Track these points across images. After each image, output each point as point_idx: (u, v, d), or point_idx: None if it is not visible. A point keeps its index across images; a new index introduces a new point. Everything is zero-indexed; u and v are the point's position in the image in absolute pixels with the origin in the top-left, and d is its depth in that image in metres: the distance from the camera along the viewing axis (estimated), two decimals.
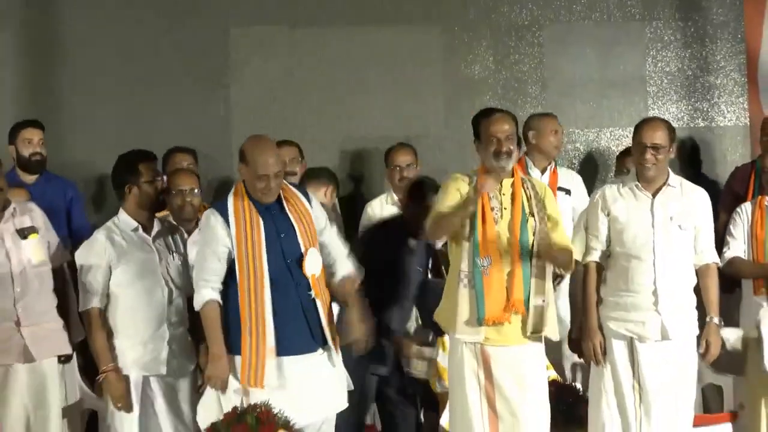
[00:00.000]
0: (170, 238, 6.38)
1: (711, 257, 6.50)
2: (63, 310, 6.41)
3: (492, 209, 6.13)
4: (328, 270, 6.08)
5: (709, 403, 7.80)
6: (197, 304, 5.92)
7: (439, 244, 7.11)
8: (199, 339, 6.25)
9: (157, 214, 6.45)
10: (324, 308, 5.94)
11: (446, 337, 6.87)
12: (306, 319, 5.88)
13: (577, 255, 6.47)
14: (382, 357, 6.79)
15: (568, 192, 7.82)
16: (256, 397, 5.73)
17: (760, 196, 7.40)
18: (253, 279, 5.83)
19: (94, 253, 6.15)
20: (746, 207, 7.39)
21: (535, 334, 6.14)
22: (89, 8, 8.74)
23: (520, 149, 7.48)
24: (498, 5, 9.01)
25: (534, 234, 6.13)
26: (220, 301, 5.89)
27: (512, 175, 6.19)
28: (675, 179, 6.46)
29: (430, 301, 6.99)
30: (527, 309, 6.11)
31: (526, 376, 6.16)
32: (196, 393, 6.25)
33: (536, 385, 6.21)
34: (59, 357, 6.39)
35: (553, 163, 7.92)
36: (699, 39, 9.12)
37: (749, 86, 8.98)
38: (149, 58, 8.73)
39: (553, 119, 7.98)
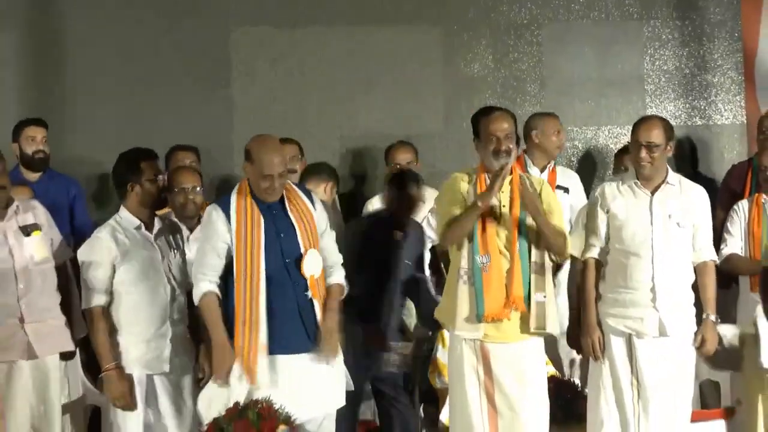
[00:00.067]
0: (171, 235, 6.38)
1: (709, 255, 6.51)
2: (66, 307, 6.38)
3: (491, 207, 6.15)
4: None
5: (707, 399, 7.79)
6: (196, 297, 5.94)
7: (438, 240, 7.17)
8: (199, 339, 6.28)
9: (158, 212, 6.44)
10: (321, 309, 5.96)
11: (446, 334, 6.92)
12: (302, 319, 5.89)
13: (575, 252, 6.49)
14: (370, 355, 6.84)
15: (566, 190, 7.81)
16: (257, 390, 5.75)
17: (756, 194, 7.44)
18: (250, 277, 5.85)
19: (98, 251, 6.13)
20: (743, 204, 7.43)
21: (539, 330, 6.16)
22: (91, 8, 8.76)
23: (519, 147, 7.52)
24: (497, 5, 9.03)
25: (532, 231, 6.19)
26: (219, 294, 5.91)
27: (511, 173, 6.20)
28: (674, 177, 6.47)
29: (423, 295, 7.04)
30: (528, 305, 6.14)
31: (525, 372, 6.19)
32: (198, 388, 6.23)
33: (536, 381, 6.24)
34: (61, 354, 6.38)
35: (552, 162, 7.93)
36: (696, 38, 9.13)
37: (746, 84, 9.00)
38: (151, 58, 8.75)
39: (555, 119, 7.99)
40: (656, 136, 6.34)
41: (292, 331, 5.87)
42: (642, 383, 6.35)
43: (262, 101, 8.84)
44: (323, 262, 6.01)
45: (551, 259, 6.25)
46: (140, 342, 6.15)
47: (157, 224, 6.30)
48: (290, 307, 5.88)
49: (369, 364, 6.83)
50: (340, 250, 6.19)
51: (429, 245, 7.28)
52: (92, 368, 6.74)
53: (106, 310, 6.14)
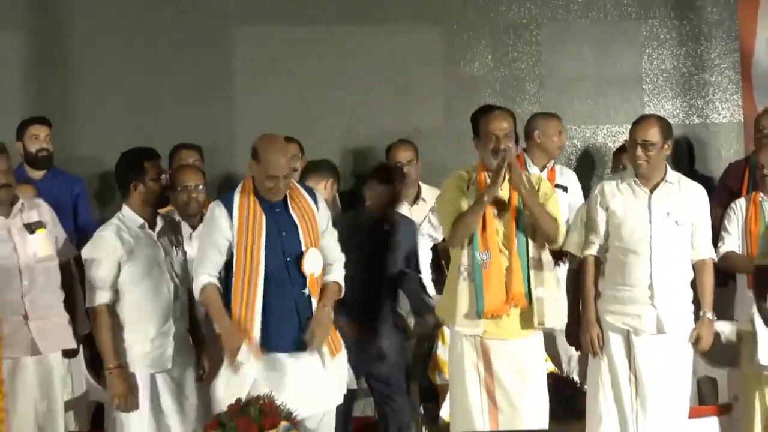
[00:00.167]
0: (173, 233, 6.39)
1: (707, 253, 6.53)
2: (69, 304, 6.39)
3: (497, 200, 6.19)
4: None
5: (704, 395, 7.79)
6: (196, 290, 5.95)
7: (440, 239, 7.18)
8: (199, 339, 6.35)
9: (160, 210, 6.45)
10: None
11: (446, 331, 6.95)
12: (299, 317, 5.91)
13: (573, 249, 6.53)
14: (364, 351, 6.81)
15: (565, 189, 7.79)
16: (261, 380, 5.79)
17: (754, 192, 7.45)
18: (249, 275, 5.88)
19: (102, 249, 6.12)
20: (740, 203, 7.43)
21: (541, 325, 6.20)
22: (94, 7, 8.78)
23: (518, 146, 7.56)
24: (497, 4, 9.04)
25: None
26: (219, 286, 5.93)
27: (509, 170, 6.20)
28: (673, 175, 6.48)
29: (410, 290, 7.04)
30: (529, 301, 6.17)
31: (525, 368, 6.23)
32: (199, 383, 6.29)
33: (536, 377, 6.27)
34: (65, 351, 6.39)
35: (551, 162, 7.92)
36: (694, 37, 9.14)
37: (743, 83, 9.01)
38: (153, 57, 8.77)
39: (557, 120, 7.98)
40: (652, 134, 6.36)
41: (289, 329, 5.89)
42: (640, 380, 6.38)
43: (263, 100, 8.85)
44: (324, 261, 6.03)
45: (542, 241, 6.26)
46: (144, 340, 6.15)
47: (159, 222, 6.31)
48: (288, 306, 5.90)
49: (362, 360, 6.79)
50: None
51: (431, 244, 7.31)
52: (96, 365, 6.80)
53: (111, 308, 6.14)
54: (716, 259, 6.69)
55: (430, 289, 7.21)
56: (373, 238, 6.71)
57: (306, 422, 5.83)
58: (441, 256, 7.13)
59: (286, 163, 5.92)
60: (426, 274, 7.25)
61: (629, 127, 6.55)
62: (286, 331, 5.88)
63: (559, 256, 6.72)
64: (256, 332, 5.86)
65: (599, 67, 9.11)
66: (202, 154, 8.17)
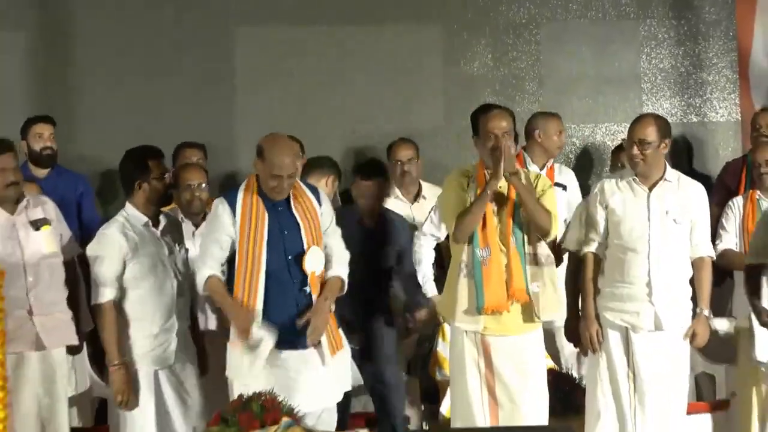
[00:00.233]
0: (175, 231, 6.41)
1: (706, 250, 6.53)
2: (73, 301, 6.41)
3: (499, 193, 6.22)
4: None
5: (702, 391, 7.82)
6: (200, 283, 5.97)
7: (442, 238, 7.18)
8: (198, 337, 6.39)
9: (163, 209, 6.47)
10: None
11: (446, 327, 6.97)
12: (299, 315, 5.91)
13: (572, 246, 6.56)
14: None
15: (564, 188, 7.82)
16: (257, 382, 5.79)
17: (751, 190, 7.49)
18: (250, 273, 5.89)
19: (107, 246, 6.12)
20: (738, 201, 7.48)
21: (537, 319, 6.23)
22: (97, 8, 8.78)
23: (518, 144, 7.59)
24: (496, 4, 9.04)
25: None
26: (222, 278, 5.96)
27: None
28: (672, 174, 6.49)
29: (404, 285, 7.03)
30: (529, 297, 6.21)
31: (526, 364, 6.26)
32: (201, 377, 6.33)
33: (536, 373, 6.30)
34: (68, 348, 6.40)
35: (551, 160, 7.94)
36: (692, 37, 9.15)
37: (740, 82, 9.00)
38: (154, 57, 8.77)
39: (558, 120, 7.99)
40: (648, 133, 6.37)
41: (289, 327, 5.89)
42: (638, 376, 6.40)
43: (264, 100, 8.85)
44: (327, 258, 6.04)
45: (541, 242, 6.29)
46: (147, 337, 6.17)
47: (162, 221, 6.32)
48: (289, 304, 5.91)
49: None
50: None
51: (434, 243, 7.29)
52: (99, 361, 6.77)
53: (116, 305, 6.14)
54: (714, 257, 6.69)
55: (433, 288, 7.19)
56: (357, 235, 6.62)
57: (305, 419, 5.75)
58: (444, 255, 7.14)
59: (291, 163, 5.92)
60: (429, 274, 7.24)
61: (628, 125, 6.56)
62: (285, 329, 5.89)
63: (559, 255, 6.77)
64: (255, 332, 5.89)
65: (598, 66, 9.12)
66: (205, 153, 8.17)
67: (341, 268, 6.10)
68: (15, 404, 6.03)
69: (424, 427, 7.37)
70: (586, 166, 9.03)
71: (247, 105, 8.88)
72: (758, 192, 7.44)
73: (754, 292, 6.61)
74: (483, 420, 6.23)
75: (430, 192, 7.88)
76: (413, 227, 7.46)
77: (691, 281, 6.52)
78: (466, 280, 6.25)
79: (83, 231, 7.52)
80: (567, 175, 8.03)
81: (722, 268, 7.26)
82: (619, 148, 8.17)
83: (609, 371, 6.45)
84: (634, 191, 6.47)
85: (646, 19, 9.17)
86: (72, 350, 6.51)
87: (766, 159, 7.39)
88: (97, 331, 6.30)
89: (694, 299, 6.51)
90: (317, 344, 5.96)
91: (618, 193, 6.48)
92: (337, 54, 8.95)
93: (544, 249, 6.33)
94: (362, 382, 6.33)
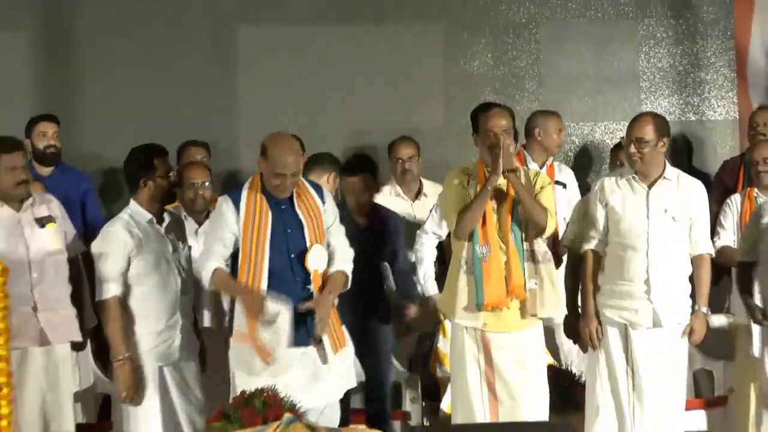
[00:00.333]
0: (179, 229, 6.43)
1: (705, 248, 6.52)
2: (77, 299, 6.41)
3: (499, 190, 6.23)
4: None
5: (701, 387, 7.82)
6: (207, 277, 5.98)
7: (444, 235, 7.20)
8: (200, 334, 6.41)
9: (166, 207, 6.46)
10: None
11: (447, 324, 6.98)
12: (302, 313, 5.92)
13: (571, 244, 6.57)
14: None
15: (564, 186, 7.83)
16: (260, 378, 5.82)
17: (749, 188, 7.50)
18: (253, 270, 5.91)
19: (112, 243, 6.14)
20: (736, 198, 7.49)
21: (534, 316, 6.24)
22: (101, 7, 8.81)
23: (518, 143, 7.61)
24: (496, 4, 9.05)
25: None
26: (226, 269, 5.98)
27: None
28: (672, 172, 6.49)
29: (397, 281, 7.05)
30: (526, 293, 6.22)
31: (525, 360, 6.27)
32: (203, 373, 6.36)
33: (536, 370, 6.31)
34: (72, 344, 6.41)
35: (550, 159, 7.93)
36: (690, 36, 9.16)
37: (738, 81, 8.99)
38: (159, 55, 8.80)
39: (558, 119, 7.99)
40: (646, 132, 6.37)
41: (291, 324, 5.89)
42: (637, 373, 6.40)
43: (266, 97, 8.86)
44: (330, 256, 6.06)
45: (537, 239, 6.31)
46: (151, 334, 6.19)
47: (166, 218, 6.34)
48: (292, 302, 5.90)
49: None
50: None
51: (436, 242, 7.30)
52: (103, 357, 6.80)
53: (120, 301, 6.15)
54: (713, 254, 6.69)
55: (434, 287, 7.21)
56: (349, 232, 6.54)
57: (307, 415, 5.78)
58: (446, 253, 7.14)
59: (294, 161, 5.94)
60: (430, 272, 7.25)
61: (627, 124, 6.57)
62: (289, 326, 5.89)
63: (558, 256, 6.80)
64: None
65: (597, 65, 9.13)
66: (209, 151, 8.18)
67: (345, 264, 6.11)
68: (19, 400, 6.06)
69: (425, 423, 7.37)
70: (586, 165, 9.04)
71: (249, 104, 8.90)
72: (756, 189, 7.45)
73: (745, 290, 6.66)
74: (483, 416, 6.24)
75: (431, 190, 7.88)
76: (413, 224, 7.49)
77: (690, 278, 6.53)
78: (466, 277, 6.26)
79: (86, 229, 7.54)
80: (566, 174, 8.04)
81: (720, 265, 7.24)
82: (618, 147, 8.15)
83: (608, 368, 6.45)
84: (633, 189, 6.48)
85: (644, 19, 9.18)
86: (76, 347, 6.52)
87: (764, 157, 7.40)
88: (100, 328, 6.31)
89: (693, 296, 6.52)
90: (319, 342, 5.97)
91: (618, 191, 6.49)
92: (338, 53, 8.96)
93: (541, 246, 6.34)
94: (364, 379, 6.32)
